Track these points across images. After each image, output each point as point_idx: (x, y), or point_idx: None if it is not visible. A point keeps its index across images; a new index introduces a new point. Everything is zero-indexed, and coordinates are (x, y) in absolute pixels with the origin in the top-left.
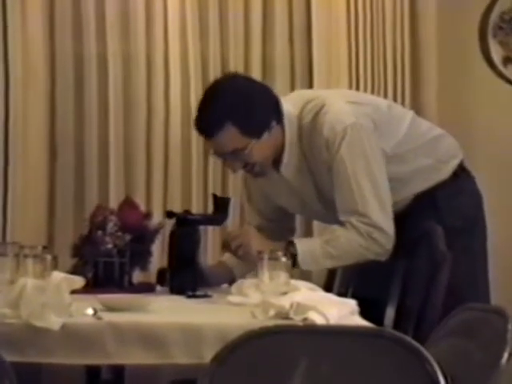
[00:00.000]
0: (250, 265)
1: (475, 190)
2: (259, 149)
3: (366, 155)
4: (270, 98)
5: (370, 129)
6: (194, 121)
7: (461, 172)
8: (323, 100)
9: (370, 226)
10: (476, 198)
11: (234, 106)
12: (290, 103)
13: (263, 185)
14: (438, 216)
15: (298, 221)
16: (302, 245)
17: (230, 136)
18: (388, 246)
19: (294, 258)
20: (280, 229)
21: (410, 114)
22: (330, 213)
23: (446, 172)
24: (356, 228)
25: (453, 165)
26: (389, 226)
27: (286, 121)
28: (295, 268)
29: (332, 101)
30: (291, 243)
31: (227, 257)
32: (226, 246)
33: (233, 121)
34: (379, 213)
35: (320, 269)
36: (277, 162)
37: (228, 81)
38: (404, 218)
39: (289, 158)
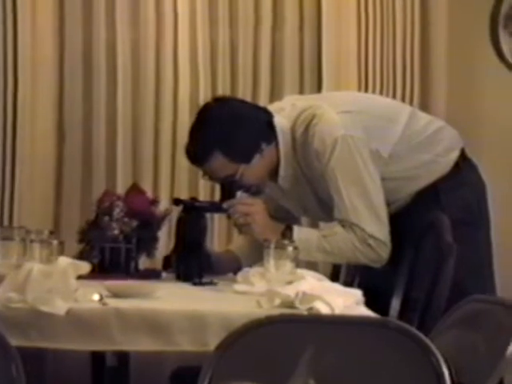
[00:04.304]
0: (257, 255)
1: (478, 180)
2: (251, 172)
3: (356, 167)
4: (258, 121)
5: (360, 139)
6: (185, 149)
7: (462, 162)
8: (314, 111)
9: (365, 235)
10: (479, 188)
11: (221, 135)
12: (284, 115)
13: (267, 190)
14: (441, 209)
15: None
16: (299, 233)
17: (219, 164)
18: (383, 254)
19: None
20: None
21: (406, 111)
22: (331, 218)
23: (446, 165)
24: (354, 232)
25: (453, 157)
26: (384, 235)
27: (279, 136)
28: None
29: (322, 111)
30: (289, 228)
31: (235, 246)
32: (226, 209)
33: (220, 150)
34: (373, 224)
35: (311, 260)
36: (274, 174)
37: (216, 107)
38: (408, 210)
39: (285, 171)
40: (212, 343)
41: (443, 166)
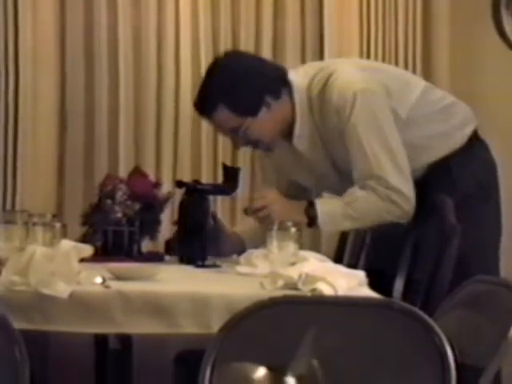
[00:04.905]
0: (263, 238)
1: (490, 158)
2: (257, 126)
3: (377, 120)
4: (264, 75)
5: (380, 93)
6: (193, 102)
7: (475, 139)
8: (332, 68)
9: (388, 188)
10: (490, 166)
11: (224, 88)
12: (300, 74)
13: (278, 161)
14: (453, 183)
15: None
16: (322, 205)
17: (224, 116)
18: (408, 208)
19: (313, 219)
20: None
21: (422, 82)
22: (346, 184)
23: (460, 139)
24: (375, 191)
25: (467, 132)
26: (407, 188)
27: (295, 93)
28: (314, 228)
29: (341, 68)
30: (312, 204)
31: (240, 229)
32: (247, 212)
33: (224, 102)
34: (396, 176)
35: (339, 230)
36: (289, 134)
37: (224, 61)
38: (418, 188)
39: (301, 130)
40: (215, 325)
41: (456, 141)
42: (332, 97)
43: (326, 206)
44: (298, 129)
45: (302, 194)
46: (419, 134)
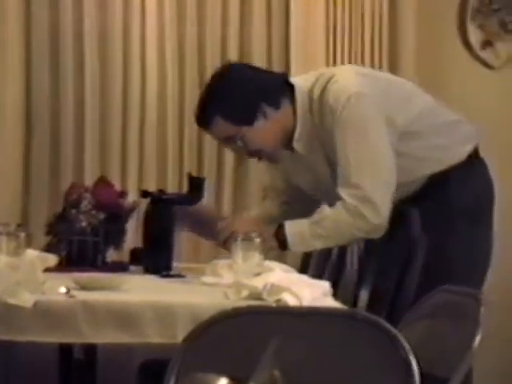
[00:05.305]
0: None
1: (488, 176)
2: (255, 135)
3: (367, 125)
4: (262, 85)
5: (375, 99)
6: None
7: (475, 158)
8: (333, 72)
9: (359, 199)
10: (489, 183)
11: (218, 98)
12: (302, 79)
13: (283, 166)
14: (450, 197)
15: None
16: (290, 227)
17: (219, 126)
18: (377, 222)
19: (284, 241)
20: (305, 212)
21: (429, 96)
22: None
23: (461, 155)
24: (345, 206)
25: (468, 148)
26: (381, 199)
27: (297, 93)
28: (287, 251)
29: (340, 72)
30: (281, 226)
31: (256, 213)
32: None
33: (219, 113)
34: (372, 185)
35: (311, 249)
36: (289, 143)
37: (219, 72)
38: (414, 201)
39: (300, 133)
40: (180, 335)
41: (457, 155)
42: (329, 99)
43: (294, 228)
44: (298, 131)
45: (309, 203)
46: (422, 145)
